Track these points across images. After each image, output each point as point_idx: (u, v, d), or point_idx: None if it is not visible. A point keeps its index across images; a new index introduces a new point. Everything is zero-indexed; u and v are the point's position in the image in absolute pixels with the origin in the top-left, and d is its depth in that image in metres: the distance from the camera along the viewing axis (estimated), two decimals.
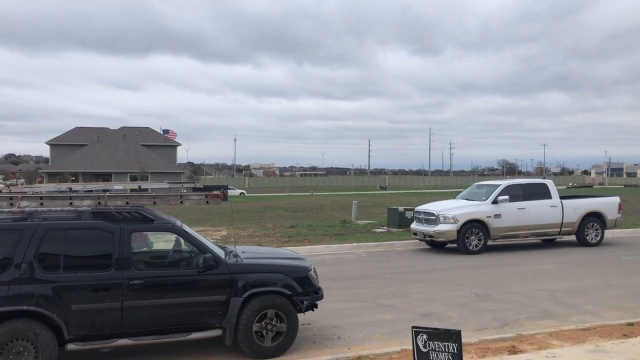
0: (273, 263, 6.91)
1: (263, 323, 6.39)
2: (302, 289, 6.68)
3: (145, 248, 6.86)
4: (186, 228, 6.79)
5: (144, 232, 6.63)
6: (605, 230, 16.22)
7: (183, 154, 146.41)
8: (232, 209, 32.08)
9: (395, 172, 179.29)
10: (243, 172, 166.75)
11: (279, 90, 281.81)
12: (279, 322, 6.47)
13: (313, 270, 7.06)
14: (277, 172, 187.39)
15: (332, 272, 12.09)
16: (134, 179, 55.97)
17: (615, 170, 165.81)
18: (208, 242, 6.90)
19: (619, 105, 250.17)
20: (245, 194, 67.97)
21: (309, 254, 14.88)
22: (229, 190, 55.63)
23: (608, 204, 16.39)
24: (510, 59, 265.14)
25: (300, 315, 6.82)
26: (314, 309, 7.02)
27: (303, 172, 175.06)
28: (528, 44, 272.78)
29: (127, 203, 16.64)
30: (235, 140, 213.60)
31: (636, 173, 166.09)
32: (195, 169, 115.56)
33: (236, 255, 6.93)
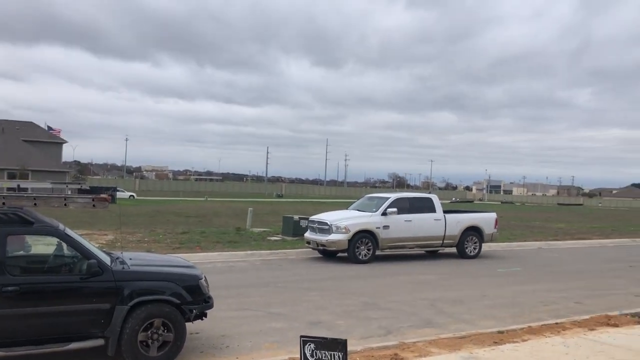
0: (162, 271, 6.72)
1: (149, 332, 6.19)
2: (192, 298, 6.56)
3: (22, 252, 6.41)
4: (69, 232, 6.43)
5: (22, 236, 6.20)
6: (483, 244, 17.43)
7: (69, 152, 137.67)
8: (120, 212, 30.68)
9: (292, 181, 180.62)
10: (134, 173, 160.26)
11: (177, 91, 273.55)
12: (165, 331, 6.30)
13: (204, 278, 6.95)
14: (170, 175, 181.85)
15: (224, 280, 11.95)
16: (12, 176, 51.84)
17: (494, 187, 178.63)
18: (93, 248, 6.59)
19: (501, 127, 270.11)
20: (135, 197, 65.26)
21: (201, 261, 14.58)
22: (117, 193, 53.22)
23: (486, 219, 17.63)
24: (407, 77, 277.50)
25: (188, 324, 6.69)
26: (204, 318, 6.92)
27: (198, 177, 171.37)
28: (424, 64, 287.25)
29: (3, 204, 15.42)
30: (127, 140, 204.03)
31: (512, 191, 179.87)
32: (82, 169, 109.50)
33: (123, 262, 6.66)
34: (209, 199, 64.59)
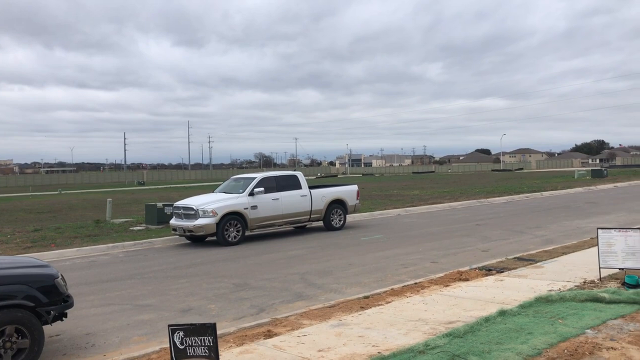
0: (11, 274, 6.16)
1: (1, 341, 5.67)
2: (48, 299, 6.10)
3: None
4: None
5: None
6: (347, 215, 18.19)
7: None
8: None
9: (154, 167, 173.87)
10: None
11: (22, 77, 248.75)
12: (20, 337, 5.81)
13: (60, 277, 6.49)
14: (16, 169, 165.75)
15: (85, 277, 11.30)
16: None
17: (355, 161, 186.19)
18: None
19: (362, 102, 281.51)
20: None
21: (57, 259, 13.65)
22: None
23: (348, 192, 18.38)
24: (271, 55, 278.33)
25: (48, 327, 6.24)
26: (64, 318, 6.48)
27: (49, 169, 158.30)
28: (288, 42, 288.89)
29: None
30: None
31: (372, 163, 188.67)
32: None
33: None
34: (63, 192, 60.05)
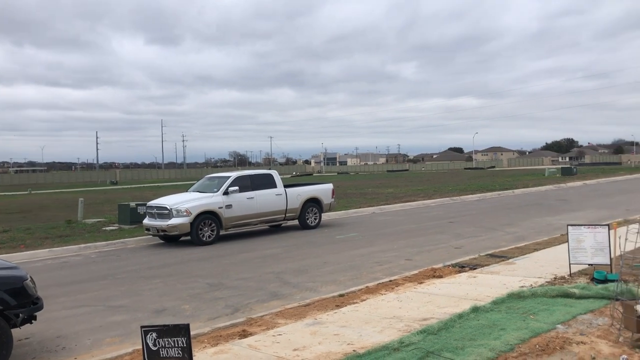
0: None
1: None
2: (17, 301, 5.97)
3: None
4: None
5: None
6: (322, 214, 18.20)
7: None
8: None
9: (127, 166, 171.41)
10: None
11: None
12: None
13: (29, 278, 6.36)
14: None
15: (56, 278, 11.10)
16: None
17: (331, 160, 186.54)
18: None
19: (338, 101, 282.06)
20: None
21: (27, 260, 13.37)
22: None
23: (324, 190, 18.40)
24: (247, 54, 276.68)
25: (16, 330, 6.10)
26: (33, 321, 6.36)
27: (19, 169, 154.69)
28: (264, 40, 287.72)
29: None
30: None
31: (347, 162, 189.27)
32: None
33: None
34: (33, 192, 58.78)
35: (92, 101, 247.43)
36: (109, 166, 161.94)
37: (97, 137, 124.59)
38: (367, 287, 8.68)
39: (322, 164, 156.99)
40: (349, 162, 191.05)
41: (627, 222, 12.64)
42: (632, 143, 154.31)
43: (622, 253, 6.80)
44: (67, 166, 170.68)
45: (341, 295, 8.19)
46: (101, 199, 37.73)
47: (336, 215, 20.98)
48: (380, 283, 8.90)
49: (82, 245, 15.11)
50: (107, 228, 18.72)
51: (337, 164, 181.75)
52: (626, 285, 6.54)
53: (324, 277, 10.01)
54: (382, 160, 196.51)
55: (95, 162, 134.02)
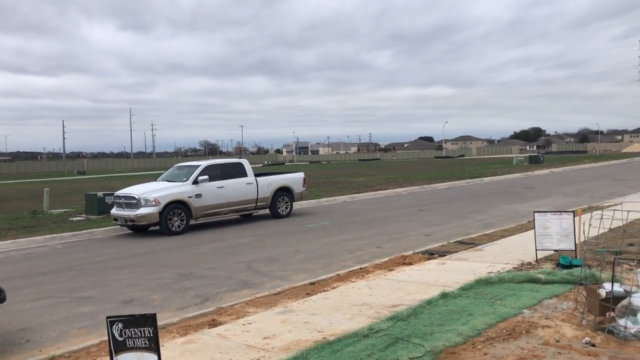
0: None
1: None
2: None
3: None
4: None
5: None
6: (293, 202, 18.17)
7: None
8: None
9: (95, 156, 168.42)
10: None
11: None
12: None
13: None
14: None
15: (20, 270, 10.84)
16: None
17: (302, 149, 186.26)
18: None
19: (311, 90, 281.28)
20: None
21: None
22: None
23: (295, 179, 18.35)
24: (220, 41, 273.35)
25: None
26: None
27: None
28: (238, 27, 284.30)
29: None
30: None
31: (318, 151, 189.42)
32: None
33: None
34: None
35: (59, 89, 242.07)
36: (76, 156, 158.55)
37: (63, 126, 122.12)
38: (337, 274, 8.69)
39: (294, 153, 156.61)
40: (321, 151, 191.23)
41: (591, 209, 12.94)
42: (597, 132, 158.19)
43: (586, 239, 6.95)
44: (32, 156, 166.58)
45: (312, 284, 8.19)
46: (68, 189, 36.97)
47: (308, 204, 20.97)
48: (350, 271, 8.93)
49: (48, 236, 14.78)
50: (74, 218, 18.36)
51: (309, 153, 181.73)
52: (590, 270, 6.69)
53: (295, 266, 9.99)
54: (354, 149, 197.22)
55: (62, 151, 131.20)
